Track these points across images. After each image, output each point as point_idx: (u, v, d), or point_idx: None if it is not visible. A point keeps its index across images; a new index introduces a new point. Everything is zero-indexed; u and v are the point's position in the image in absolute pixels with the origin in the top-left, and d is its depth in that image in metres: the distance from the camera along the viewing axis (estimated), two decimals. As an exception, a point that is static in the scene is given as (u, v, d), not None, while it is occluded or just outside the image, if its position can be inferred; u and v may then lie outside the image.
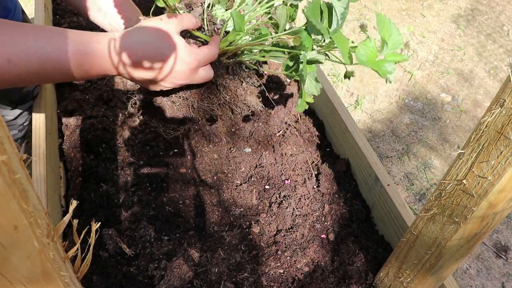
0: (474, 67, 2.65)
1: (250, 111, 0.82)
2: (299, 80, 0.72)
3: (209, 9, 0.92)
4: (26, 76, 0.59)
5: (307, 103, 0.73)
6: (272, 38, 0.72)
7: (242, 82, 0.79)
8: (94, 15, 0.88)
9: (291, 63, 0.72)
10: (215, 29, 0.76)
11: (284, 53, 0.74)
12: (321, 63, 0.71)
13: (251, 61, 0.78)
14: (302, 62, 0.67)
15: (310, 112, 1.20)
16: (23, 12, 1.04)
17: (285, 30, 0.71)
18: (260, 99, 0.84)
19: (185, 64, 0.67)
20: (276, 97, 1.12)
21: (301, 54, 0.68)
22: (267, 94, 0.93)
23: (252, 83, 0.80)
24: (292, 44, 0.70)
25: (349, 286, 0.83)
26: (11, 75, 0.58)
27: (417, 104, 2.40)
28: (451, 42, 2.81)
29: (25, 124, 1.11)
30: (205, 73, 0.72)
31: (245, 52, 0.76)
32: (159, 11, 1.01)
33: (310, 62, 0.70)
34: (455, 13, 3.03)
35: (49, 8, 1.32)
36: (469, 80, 2.57)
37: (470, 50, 2.77)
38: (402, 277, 0.74)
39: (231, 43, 0.75)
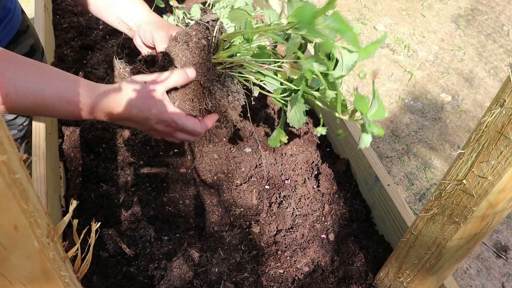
0: (474, 67, 2.65)
1: (227, 125, 0.83)
2: (286, 107, 0.72)
3: (211, 8, 0.92)
4: (20, 109, 0.65)
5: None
6: (272, 63, 0.71)
7: (229, 95, 0.78)
8: (98, 8, 0.88)
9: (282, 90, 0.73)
10: (210, 21, 0.75)
11: (280, 84, 0.74)
12: (315, 98, 0.70)
13: (244, 79, 0.77)
14: (297, 91, 0.67)
15: (310, 112, 1.20)
16: (22, 12, 1.04)
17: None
18: (241, 118, 0.85)
19: (161, 129, 0.75)
20: (257, 118, 1.13)
21: (296, 88, 0.68)
22: (248, 115, 0.94)
23: (238, 99, 0.80)
24: (289, 74, 0.69)
25: (349, 286, 0.83)
26: (6, 106, 0.63)
27: (417, 104, 2.40)
28: (451, 42, 2.81)
29: (25, 124, 1.11)
30: (184, 137, 0.78)
31: (241, 68, 0.76)
32: (158, 11, 1.01)
33: (304, 93, 0.70)
34: (455, 13, 3.03)
35: (49, 8, 1.32)
36: (469, 80, 2.57)
37: (470, 50, 2.76)
38: (402, 277, 0.74)
39: (231, 55, 0.74)
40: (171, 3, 1.10)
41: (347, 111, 0.63)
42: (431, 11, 3.04)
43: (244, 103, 0.81)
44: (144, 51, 0.86)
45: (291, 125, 0.74)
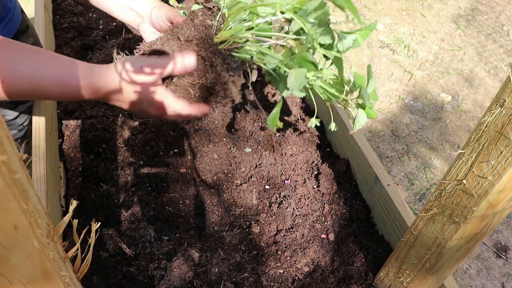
0: (474, 67, 2.65)
1: (226, 100, 0.82)
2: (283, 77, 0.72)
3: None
4: (18, 94, 0.65)
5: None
6: (274, 38, 0.71)
7: (229, 71, 0.78)
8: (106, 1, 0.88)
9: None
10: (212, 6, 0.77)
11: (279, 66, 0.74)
12: (317, 68, 0.70)
13: (245, 60, 0.78)
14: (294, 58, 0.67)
15: (310, 112, 1.20)
16: (22, 11, 1.04)
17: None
18: (241, 117, 0.85)
19: (154, 113, 0.75)
20: (256, 117, 1.12)
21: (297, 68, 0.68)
22: (250, 88, 0.93)
23: (238, 75, 0.80)
24: (293, 49, 0.69)
25: (349, 286, 0.83)
26: (4, 91, 0.64)
27: (417, 104, 2.40)
28: (451, 42, 2.81)
29: (25, 124, 1.11)
30: (174, 118, 0.77)
31: (243, 48, 0.76)
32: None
33: (303, 61, 0.69)
34: (455, 13, 3.03)
35: (49, 8, 1.32)
36: (469, 80, 2.57)
37: (470, 50, 2.77)
38: (402, 277, 0.74)
39: (232, 35, 0.75)
40: (171, 2, 1.10)
41: (343, 91, 0.64)
42: (431, 11, 3.04)
43: (244, 81, 0.81)
44: (150, 37, 0.87)
45: (291, 90, 0.73)
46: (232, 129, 1.09)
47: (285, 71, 0.73)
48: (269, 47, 0.73)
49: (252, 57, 0.76)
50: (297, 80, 0.71)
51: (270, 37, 0.72)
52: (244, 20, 0.74)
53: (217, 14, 0.76)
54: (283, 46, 0.73)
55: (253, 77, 0.77)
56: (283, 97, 0.77)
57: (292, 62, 0.69)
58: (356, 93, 0.66)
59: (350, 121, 1.03)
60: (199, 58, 0.75)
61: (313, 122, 0.67)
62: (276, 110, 0.81)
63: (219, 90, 0.79)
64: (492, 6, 3.09)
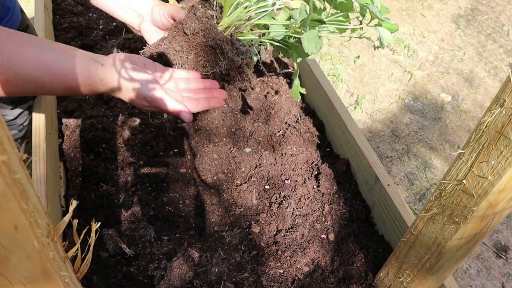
0: (474, 67, 2.65)
1: (244, 82, 0.83)
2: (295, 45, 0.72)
3: None
4: (18, 91, 0.66)
5: (302, 94, 0.72)
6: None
7: (240, 54, 0.79)
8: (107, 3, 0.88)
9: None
10: None
11: (285, 29, 0.74)
12: (324, 23, 0.70)
13: (252, 41, 0.79)
14: (304, 20, 0.67)
15: (310, 112, 1.20)
16: (22, 11, 1.04)
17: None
18: (242, 116, 0.86)
19: (149, 108, 0.75)
20: (256, 117, 1.13)
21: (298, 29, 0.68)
22: (263, 68, 0.94)
23: (249, 57, 0.81)
24: (291, 7, 0.70)
25: (349, 286, 0.83)
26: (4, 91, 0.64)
27: (417, 104, 2.40)
28: (451, 42, 2.81)
29: (25, 124, 1.11)
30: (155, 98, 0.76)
31: (247, 30, 0.77)
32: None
33: (312, 21, 0.70)
34: (455, 13, 3.03)
35: (49, 8, 1.32)
36: (469, 80, 2.57)
37: (470, 50, 2.76)
38: (402, 277, 0.74)
39: (234, 19, 0.76)
40: (171, 2, 1.10)
41: (353, 10, 0.64)
42: (431, 11, 3.04)
43: (256, 61, 0.82)
44: (152, 36, 0.86)
45: (310, 54, 0.73)
46: (232, 129, 1.09)
47: (294, 38, 0.73)
48: (271, 16, 0.74)
49: (259, 35, 0.77)
50: (312, 43, 0.70)
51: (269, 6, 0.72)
52: (240, 2, 0.76)
53: (214, 4, 0.78)
54: (279, 9, 0.74)
55: (263, 56, 0.78)
56: (298, 66, 0.77)
57: (299, 29, 0.69)
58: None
59: (349, 120, 1.03)
60: (208, 49, 0.76)
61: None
62: (296, 81, 0.81)
63: (234, 76, 0.80)
64: (492, 6, 3.09)
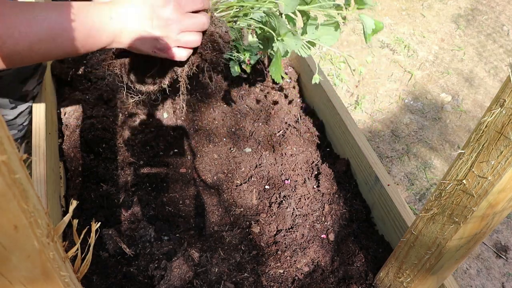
0: (474, 67, 2.65)
1: (216, 51, 0.80)
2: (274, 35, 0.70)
3: None
4: (36, 46, 0.63)
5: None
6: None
7: (213, 23, 0.78)
8: None
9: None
10: None
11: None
12: (310, 16, 0.71)
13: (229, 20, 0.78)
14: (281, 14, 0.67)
15: (310, 112, 1.20)
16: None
17: None
18: (239, 116, 0.84)
19: (167, 15, 0.69)
20: (256, 117, 1.12)
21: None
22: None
23: (226, 31, 0.79)
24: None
25: (349, 286, 0.83)
26: (24, 44, 0.61)
27: (417, 104, 2.40)
28: (451, 42, 2.81)
29: (25, 124, 1.11)
30: (193, 22, 0.71)
31: (238, 18, 0.77)
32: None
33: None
34: (455, 13, 3.03)
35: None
36: (469, 80, 2.57)
37: (470, 50, 2.76)
38: (402, 277, 0.74)
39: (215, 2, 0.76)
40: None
41: None
42: (431, 11, 3.04)
43: (232, 39, 0.80)
44: None
45: (286, 12, 0.71)
46: (232, 129, 1.09)
47: (271, 23, 0.72)
48: None
49: (237, 17, 0.76)
50: (289, 3, 0.70)
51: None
52: None
53: None
54: None
55: (245, 41, 0.77)
56: (278, 48, 0.77)
57: None
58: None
59: (349, 120, 1.03)
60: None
61: (316, 78, 0.68)
62: (275, 61, 0.80)
63: (206, 43, 0.78)
64: (492, 6, 3.09)
